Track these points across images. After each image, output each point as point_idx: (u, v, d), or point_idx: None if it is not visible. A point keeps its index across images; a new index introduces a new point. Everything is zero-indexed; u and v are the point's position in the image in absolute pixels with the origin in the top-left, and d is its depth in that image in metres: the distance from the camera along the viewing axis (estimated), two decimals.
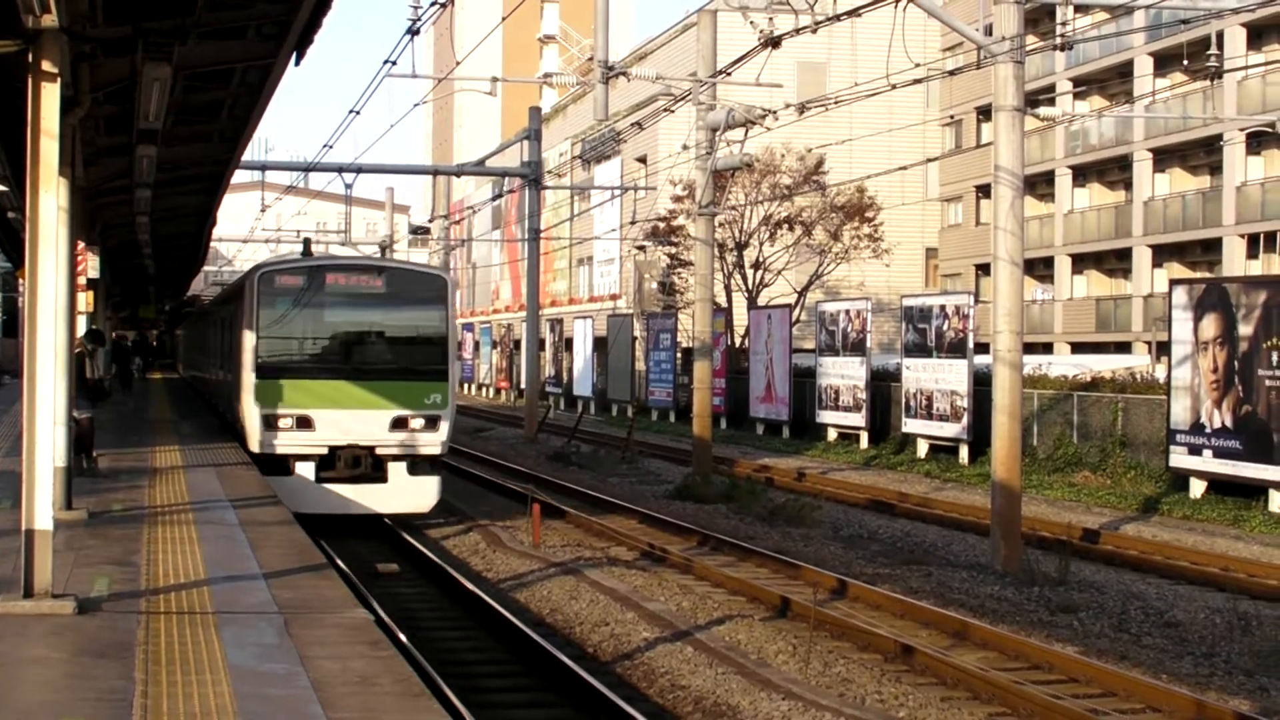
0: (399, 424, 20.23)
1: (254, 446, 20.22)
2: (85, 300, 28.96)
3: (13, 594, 9.36)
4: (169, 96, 13.30)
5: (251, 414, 20.09)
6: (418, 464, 20.45)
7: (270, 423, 19.95)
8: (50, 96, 9.34)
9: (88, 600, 9.61)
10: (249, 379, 20.22)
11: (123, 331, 61.43)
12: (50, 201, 9.40)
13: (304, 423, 19.98)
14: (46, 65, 9.33)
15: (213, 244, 48.03)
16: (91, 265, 27.13)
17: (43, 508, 9.28)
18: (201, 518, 14.09)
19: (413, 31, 21.21)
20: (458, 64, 28.93)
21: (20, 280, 37.45)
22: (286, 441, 19.95)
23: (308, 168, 37.06)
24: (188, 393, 44.69)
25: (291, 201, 57.80)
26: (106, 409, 29.69)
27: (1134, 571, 18.81)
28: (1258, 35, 45.05)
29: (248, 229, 59.37)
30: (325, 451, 20.05)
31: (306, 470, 19.98)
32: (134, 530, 13.02)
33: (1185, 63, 38.98)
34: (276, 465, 19.86)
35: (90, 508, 14.12)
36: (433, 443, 20.45)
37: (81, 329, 27.29)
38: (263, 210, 48.86)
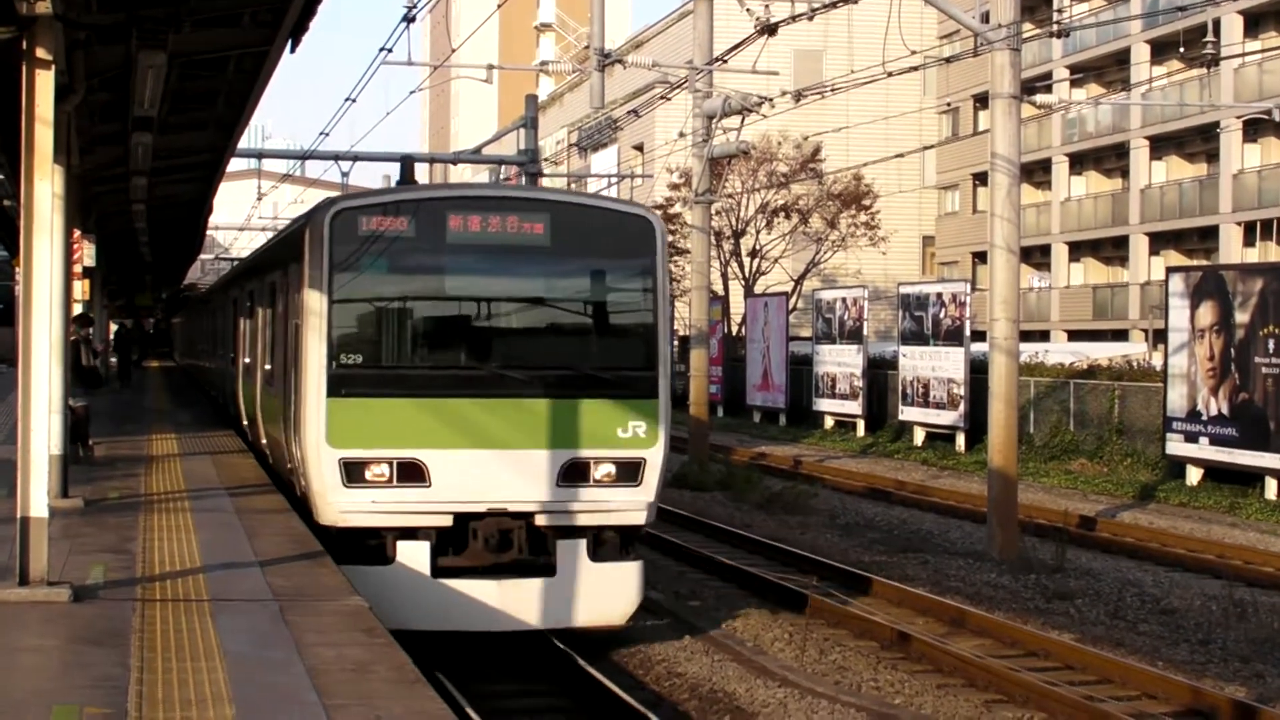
0: (575, 473, 12.36)
1: (325, 515, 12.27)
2: (81, 288, 28.91)
3: (8, 582, 9.35)
4: (164, 84, 13.25)
5: (321, 458, 12.15)
6: (605, 542, 12.56)
7: (354, 473, 12.08)
8: (45, 84, 9.32)
9: (83, 588, 9.60)
10: (316, 398, 12.23)
11: (123, 320, 61.31)
12: (46, 189, 9.38)
13: (411, 472, 12.11)
14: (41, 52, 9.31)
15: (209, 232, 48.00)
16: (87, 253, 27.00)
17: (38, 495, 9.28)
18: (198, 505, 14.07)
19: (409, 19, 21.16)
20: (454, 51, 28.86)
21: (16, 268, 37.40)
22: (381, 506, 12.08)
23: (304, 155, 36.96)
24: (184, 381, 44.68)
25: (288, 189, 57.69)
26: (102, 397, 29.66)
27: (1130, 558, 18.84)
28: (1255, 22, 45.04)
29: (244, 217, 59.33)
30: (448, 523, 12.16)
31: (416, 556, 12.05)
32: (130, 518, 13.01)
33: (1182, 50, 38.97)
34: (363, 546, 12.14)
35: (86, 495, 14.09)
36: (634, 505, 12.51)
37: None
38: (259, 198, 48.77)
